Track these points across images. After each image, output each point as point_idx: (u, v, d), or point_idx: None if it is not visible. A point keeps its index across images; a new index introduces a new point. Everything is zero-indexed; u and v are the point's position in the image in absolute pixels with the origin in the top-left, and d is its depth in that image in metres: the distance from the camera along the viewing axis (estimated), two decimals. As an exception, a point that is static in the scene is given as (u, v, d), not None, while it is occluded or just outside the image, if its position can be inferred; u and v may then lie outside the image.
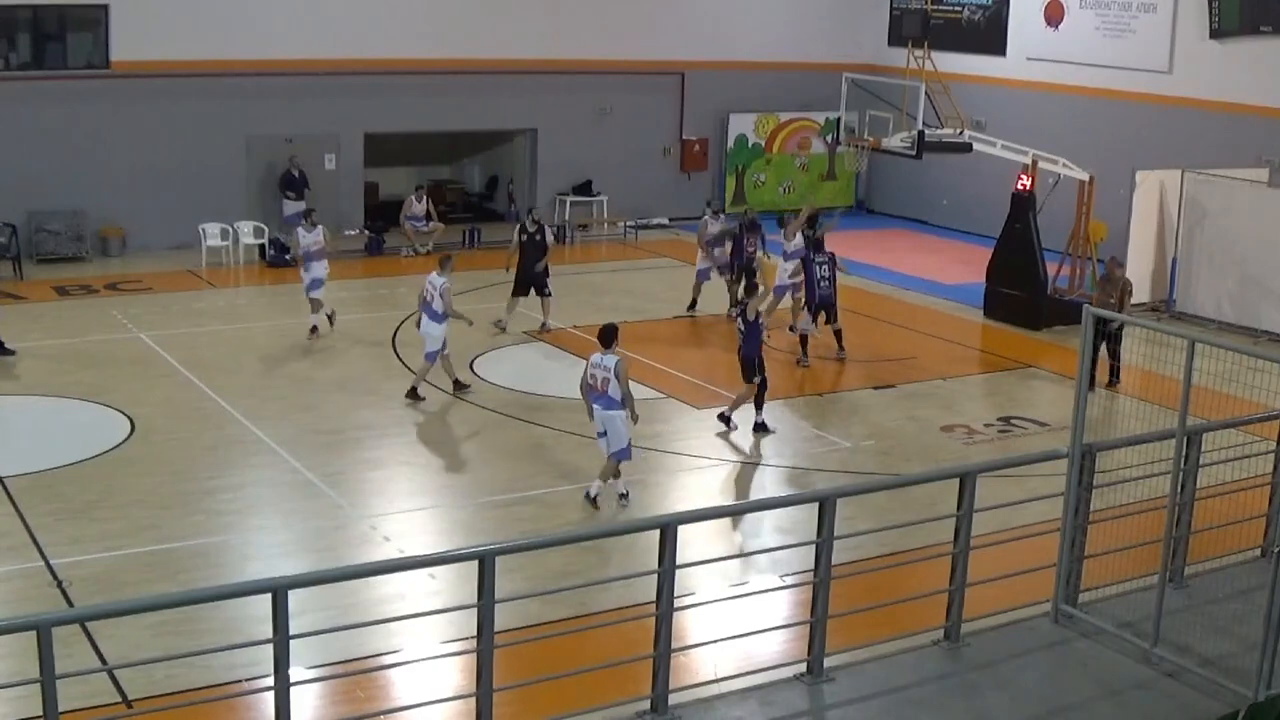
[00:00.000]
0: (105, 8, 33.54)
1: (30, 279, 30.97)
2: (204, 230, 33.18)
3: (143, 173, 33.63)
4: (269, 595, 9.59)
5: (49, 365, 24.24)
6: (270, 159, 35.07)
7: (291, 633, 9.58)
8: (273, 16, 34.28)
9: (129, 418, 21.39)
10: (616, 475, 18.45)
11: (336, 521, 17.80)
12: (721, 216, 30.14)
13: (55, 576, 15.80)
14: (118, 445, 20.25)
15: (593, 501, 18.27)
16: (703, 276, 28.95)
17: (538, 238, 27.25)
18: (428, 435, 21.43)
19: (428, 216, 34.94)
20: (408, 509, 18.46)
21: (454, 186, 40.69)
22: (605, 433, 18.24)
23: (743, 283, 24.43)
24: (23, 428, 21.31)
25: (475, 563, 10.27)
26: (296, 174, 34.67)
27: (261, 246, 33.75)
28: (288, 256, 32.76)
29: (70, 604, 15.12)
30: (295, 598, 9.63)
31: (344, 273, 32.22)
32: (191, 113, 34.10)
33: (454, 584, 14.88)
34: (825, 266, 25.06)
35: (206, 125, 34.28)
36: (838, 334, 25.43)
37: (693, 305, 28.80)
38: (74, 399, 22.40)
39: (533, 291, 27.07)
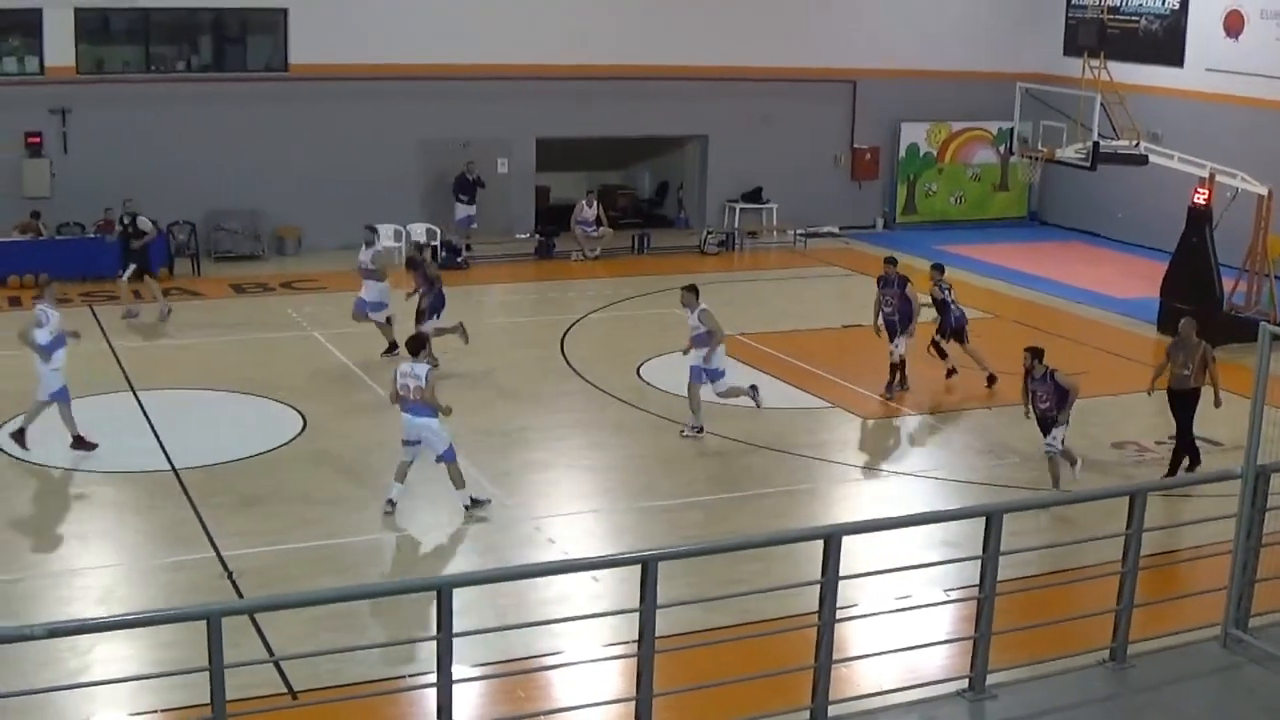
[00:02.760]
0: (284, 11, 34.20)
1: (208, 276, 31.67)
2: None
3: (318, 174, 34.21)
4: (434, 593, 9.70)
5: (224, 361, 24.74)
6: (442, 162, 35.48)
7: (455, 631, 9.67)
8: (447, 21, 34.67)
9: (301, 414, 21.78)
10: (463, 484, 18.08)
11: (502, 522, 17.94)
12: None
13: (225, 568, 16.11)
14: (289, 441, 20.62)
15: (390, 504, 17.97)
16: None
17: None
18: (593, 439, 21.52)
19: (598, 221, 35.14)
20: (572, 511, 18.56)
21: (624, 192, 40.84)
22: (419, 441, 17.97)
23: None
24: (198, 421, 21.74)
25: (638, 567, 10.30)
26: (471, 178, 35.03)
27: (433, 248, 34.13)
28: (459, 259, 33.16)
29: (240, 595, 15.41)
30: (460, 596, 9.73)
31: (514, 276, 32.58)
32: (366, 115, 34.61)
33: (616, 588, 14.92)
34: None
35: (381, 128, 34.78)
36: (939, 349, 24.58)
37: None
38: (248, 394, 22.84)
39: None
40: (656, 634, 10.27)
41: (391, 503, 18.05)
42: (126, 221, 28.66)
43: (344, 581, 15.64)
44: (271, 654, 13.62)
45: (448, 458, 18.04)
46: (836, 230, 39.00)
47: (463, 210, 34.99)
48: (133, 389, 23.01)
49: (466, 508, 18.03)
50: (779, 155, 38.64)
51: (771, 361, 25.12)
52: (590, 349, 26.08)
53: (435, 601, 9.65)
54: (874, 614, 13.95)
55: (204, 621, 9.27)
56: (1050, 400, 18.96)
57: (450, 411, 18.13)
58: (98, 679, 13.13)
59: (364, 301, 25.45)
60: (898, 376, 23.50)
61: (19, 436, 19.81)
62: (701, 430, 21.15)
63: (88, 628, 12.60)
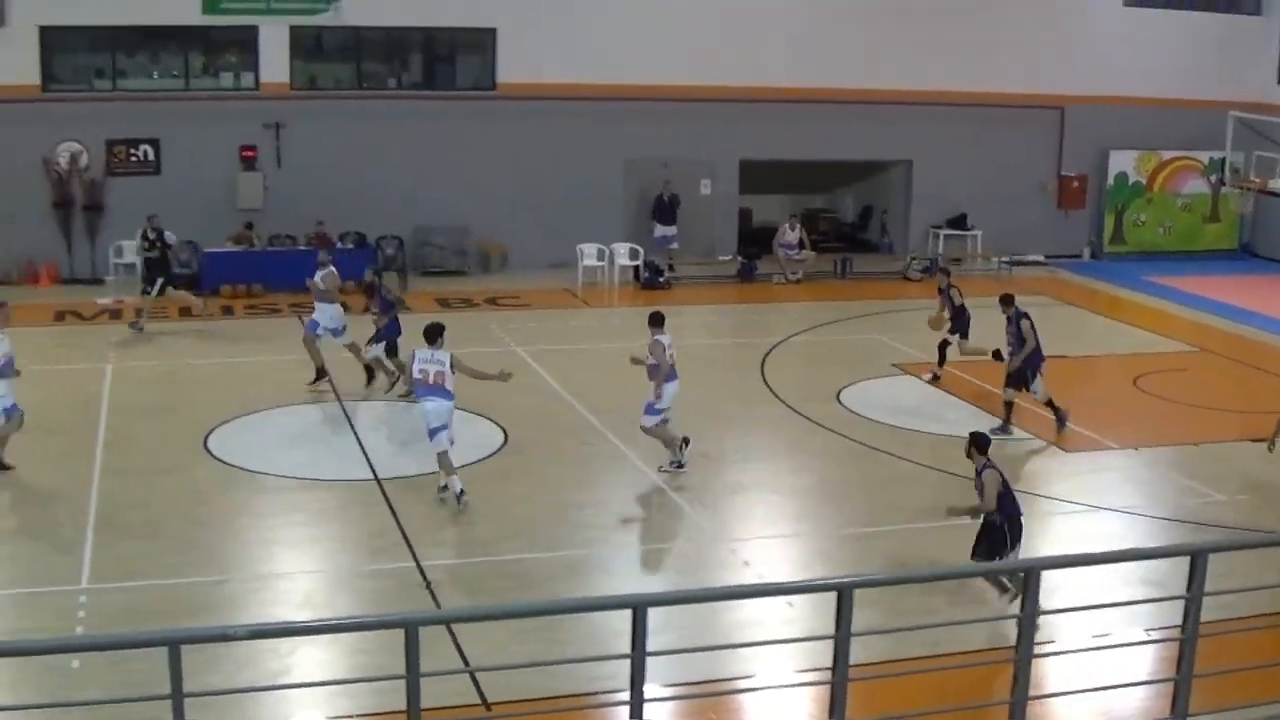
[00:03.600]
0: (493, 31, 34.71)
1: (414, 290, 32.15)
2: (581, 250, 33.97)
3: (524, 192, 34.62)
4: (629, 611, 9.72)
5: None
6: (647, 182, 35.70)
7: (649, 649, 9.68)
8: (654, 42, 34.91)
9: (503, 429, 22.01)
10: (449, 469, 18.61)
11: (698, 543, 17.94)
12: None
13: (424, 577, 16.31)
14: (491, 455, 20.84)
15: (452, 495, 18.55)
16: None
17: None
18: (792, 463, 21.43)
19: (801, 244, 35.07)
20: (769, 535, 18.48)
21: (827, 215, 40.74)
22: (445, 426, 18.45)
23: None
24: (402, 433, 22.07)
25: (834, 594, 10.23)
26: (666, 198, 35.20)
27: (636, 268, 34.33)
28: (661, 279, 33.30)
29: (438, 605, 15.59)
30: (655, 615, 9.74)
31: (715, 298, 32.63)
32: (572, 134, 34.95)
33: (811, 614, 14.82)
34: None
35: (586, 147, 35.10)
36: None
37: None
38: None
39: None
40: (850, 662, 10.18)
41: (446, 488, 18.78)
42: (153, 236, 29.16)
43: (540, 596, 15.75)
44: (467, 664, 13.75)
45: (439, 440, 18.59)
46: (1042, 259, 38.46)
47: (660, 231, 35.17)
48: (339, 399, 23.47)
49: (454, 492, 18.56)
50: (984, 181, 38.25)
51: (971, 390, 24.82)
52: (790, 372, 25.98)
53: (631, 619, 9.67)
54: (1072, 651, 13.69)
55: (402, 630, 9.39)
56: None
57: (509, 376, 19.19)
58: (296, 682, 13.38)
59: (315, 323, 24.68)
60: (1056, 412, 22.89)
61: None
62: (680, 466, 20.42)
63: (288, 631, 12.86)
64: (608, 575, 17.13)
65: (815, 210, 40.40)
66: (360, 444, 21.23)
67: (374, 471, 19.91)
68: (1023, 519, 15.38)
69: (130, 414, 22.83)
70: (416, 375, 18.78)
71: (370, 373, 24.32)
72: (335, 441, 21.33)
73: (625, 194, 36.23)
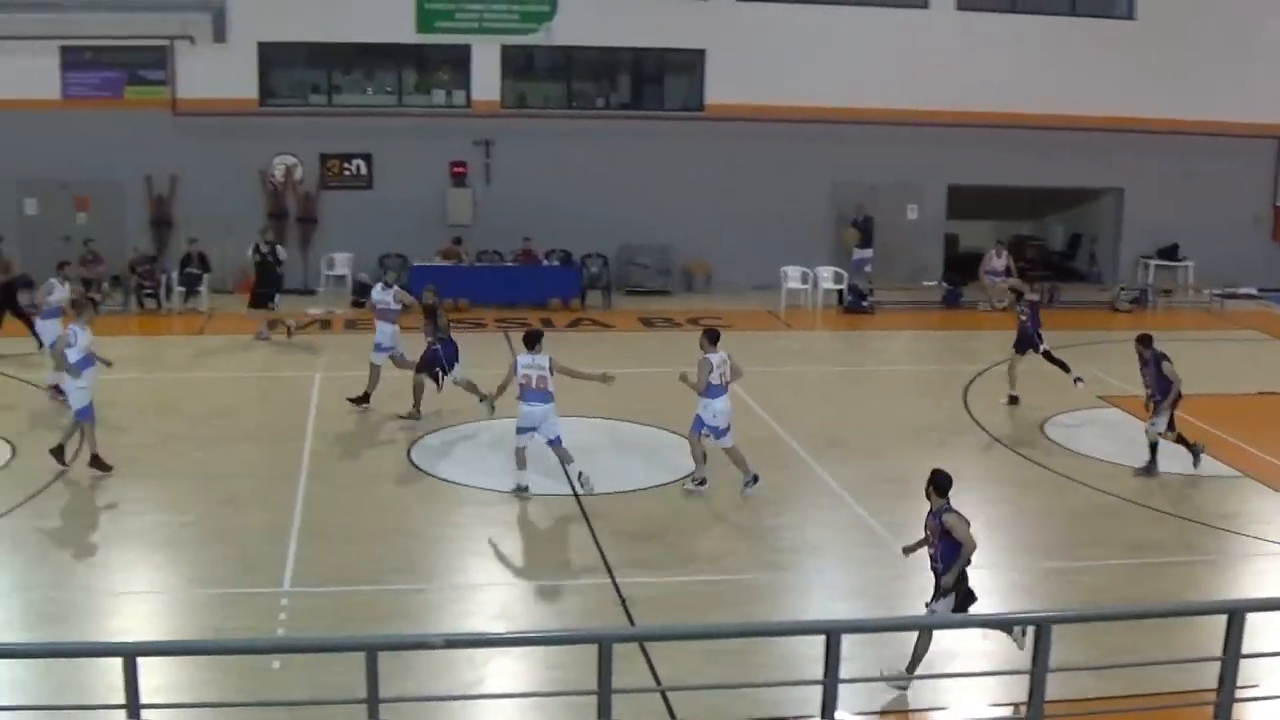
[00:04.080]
0: (701, 53, 34.83)
1: (618, 309, 32.39)
2: (785, 272, 33.92)
3: (729, 212, 34.68)
4: (823, 636, 9.66)
5: (631, 392, 25.19)
6: (852, 205, 35.53)
7: (842, 676, 9.62)
8: (862, 65, 34.79)
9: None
10: (572, 459, 19.80)
11: (895, 571, 17.71)
12: None
13: (619, 595, 16.37)
14: (689, 474, 20.85)
15: (580, 480, 19.65)
16: None
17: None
18: (992, 493, 21.10)
19: (1007, 272, 34.60)
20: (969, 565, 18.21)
21: (1035, 243, 40.16)
22: (536, 428, 19.70)
23: None
24: (602, 450, 22.19)
25: (1032, 629, 10.06)
26: (859, 220, 35.03)
27: (839, 292, 34.18)
28: (864, 303, 33.12)
29: (632, 622, 15.64)
30: (848, 642, 9.67)
31: (919, 324, 32.36)
32: (779, 156, 34.96)
33: (1007, 647, 14.59)
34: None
35: (792, 169, 35.08)
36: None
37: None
38: (651, 426, 23.22)
39: None
40: (1046, 698, 10.00)
41: (523, 488, 19.77)
42: (266, 250, 29.94)
43: (734, 618, 15.71)
44: (658, 683, 13.77)
45: (558, 441, 19.81)
46: (1255, 292, 37.48)
47: (858, 254, 34.98)
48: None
49: (580, 476, 19.63)
50: (1196, 212, 37.43)
51: (1181, 425, 24.23)
52: (993, 401, 25.62)
53: (825, 645, 9.62)
54: (1277, 697, 13.29)
55: (595, 645, 9.43)
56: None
57: (613, 379, 20.40)
58: (490, 692, 13.52)
59: (379, 344, 24.49)
60: (1191, 449, 22.15)
61: (58, 453, 20.60)
62: (703, 482, 20.30)
63: (484, 641, 13.00)
64: (802, 599, 17.05)
65: (1023, 237, 39.86)
66: (560, 460, 21.37)
67: (574, 487, 20.02)
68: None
69: (337, 422, 23.29)
70: (520, 380, 19.68)
71: (475, 392, 23.61)
72: (536, 456, 21.52)
73: (830, 217, 36.11)
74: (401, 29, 34.06)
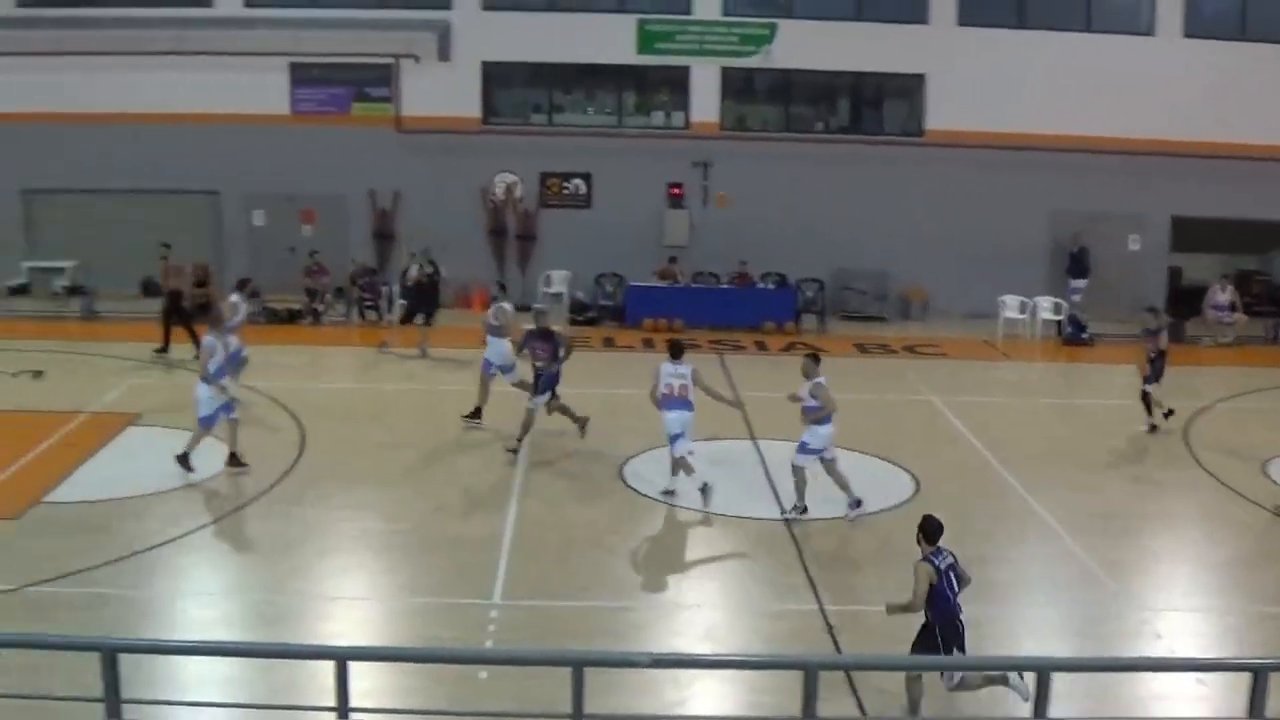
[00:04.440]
0: (922, 77, 34.54)
1: (832, 334, 32.30)
2: (1003, 302, 33.47)
3: (947, 240, 34.35)
4: (1033, 674, 9.50)
5: (842, 418, 25.06)
6: (1073, 235, 34.99)
7: (1050, 715, 9.44)
8: (1085, 93, 34.28)
9: (914, 477, 21.82)
10: (689, 470, 20.17)
11: (1108, 610, 17.38)
12: None
13: (827, 622, 16.26)
14: (902, 503, 20.67)
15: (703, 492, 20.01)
16: None
17: None
18: (1209, 532, 20.56)
19: (1232, 307, 33.77)
20: (1182, 608, 17.76)
21: (1261, 278, 39.03)
22: (682, 434, 20.18)
23: None
24: (813, 475, 22.05)
25: (1248, 674, 9.78)
26: (1076, 251, 34.46)
27: (1058, 323, 33.65)
28: (1084, 335, 32.56)
29: (838, 651, 15.53)
30: (1059, 680, 9.49)
31: (1140, 358, 31.65)
32: (999, 184, 34.57)
33: (1224, 693, 14.19)
34: None
35: (1011, 197, 34.67)
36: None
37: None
38: (862, 453, 23.06)
39: None
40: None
41: (670, 492, 20.43)
42: (429, 270, 30.27)
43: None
44: (864, 713, 13.65)
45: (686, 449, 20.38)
46: None
47: (1073, 284, 34.42)
48: (753, 437, 23.66)
49: (704, 488, 20.00)
50: None
51: None
52: (1214, 439, 25.00)
53: (1035, 683, 9.45)
54: None
55: (800, 672, 9.38)
56: None
57: (742, 405, 21.13)
58: (694, 714, 13.51)
59: (487, 361, 24.48)
60: None
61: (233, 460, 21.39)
62: (804, 510, 19.90)
63: (689, 662, 12.99)
64: (1011, 635, 16.76)
65: (1249, 272, 38.77)
66: (771, 482, 21.34)
67: (783, 510, 19.98)
68: (960, 620, 13.68)
69: (553, 437, 23.51)
70: (663, 390, 20.29)
71: (571, 417, 23.43)
72: (747, 478, 21.49)
73: (1050, 247, 35.57)
74: (623, 50, 34.36)
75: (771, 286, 33.94)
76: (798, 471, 19.99)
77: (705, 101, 34.91)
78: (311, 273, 33.56)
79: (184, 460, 21.09)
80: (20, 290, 34.81)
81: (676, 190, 34.90)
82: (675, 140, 34.91)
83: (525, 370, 23.54)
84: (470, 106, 34.92)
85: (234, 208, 35.56)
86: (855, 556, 18.49)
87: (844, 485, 20.04)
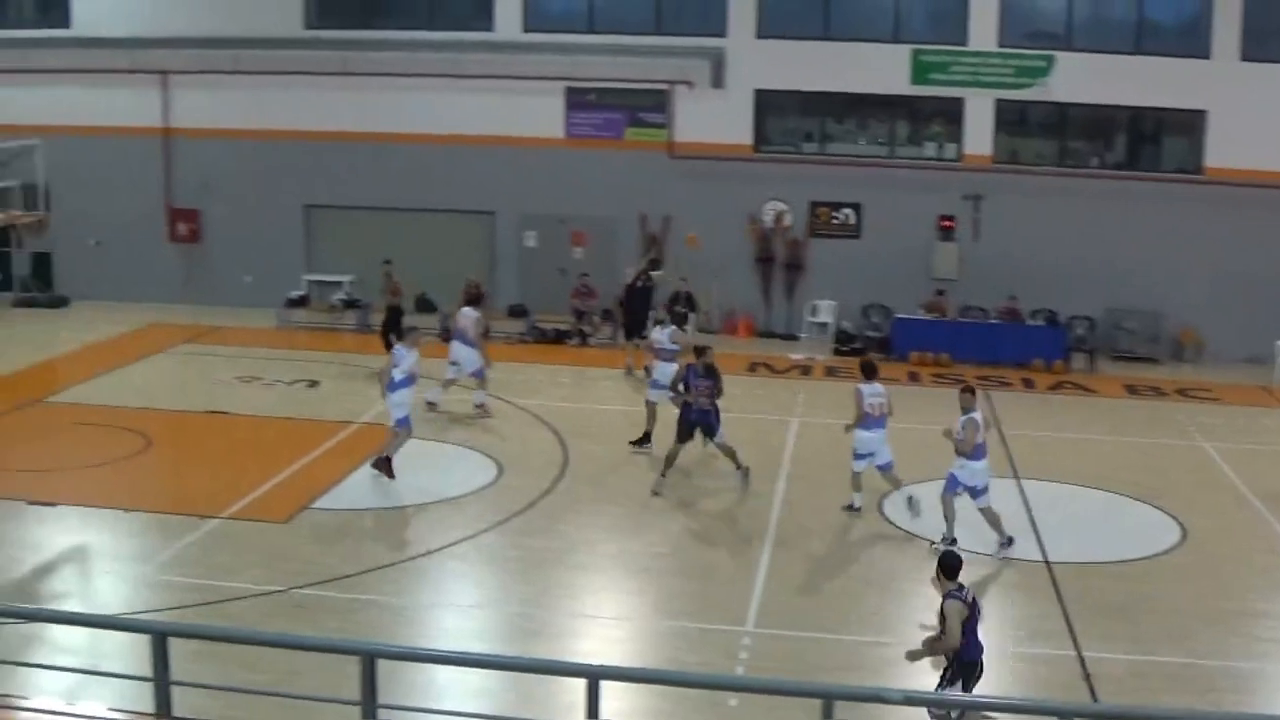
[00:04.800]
0: (1203, 114, 33.58)
1: (1101, 374, 31.60)
2: (1280, 346, 32.40)
3: (1224, 281, 33.32)
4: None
5: (1110, 461, 24.56)
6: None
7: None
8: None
9: (1180, 525, 21.21)
10: (898, 484, 20.86)
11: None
12: None
13: (1084, 669, 15.92)
14: (1166, 551, 20.12)
15: (852, 509, 20.93)
16: None
17: None
18: None
19: None
20: None
21: None
22: (873, 454, 20.79)
23: None
24: (1075, 517, 21.63)
25: None
26: None
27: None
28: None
29: (1094, 698, 15.17)
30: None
31: None
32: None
33: None
34: None
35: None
36: None
37: None
38: (1130, 497, 22.52)
39: None
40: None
41: (855, 508, 20.96)
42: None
43: (1205, 704, 15.08)
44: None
45: (891, 466, 21.01)
46: None
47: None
48: (1017, 476, 23.27)
49: (909, 502, 20.53)
50: None
51: None
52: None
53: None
54: None
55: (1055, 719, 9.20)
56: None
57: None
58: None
59: (655, 381, 24.61)
60: None
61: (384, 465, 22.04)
62: (954, 542, 19.27)
63: (936, 701, 12.81)
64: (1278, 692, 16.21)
65: None
66: (1033, 522, 20.96)
67: (1044, 552, 19.63)
68: (981, 660, 13.38)
69: (811, 467, 23.47)
70: (867, 409, 20.61)
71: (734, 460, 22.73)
72: (1008, 518, 21.14)
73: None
74: (896, 80, 34.11)
75: (1040, 323, 33.33)
76: (946, 503, 19.80)
77: (978, 134, 34.44)
78: (580, 294, 33.99)
79: (385, 464, 22.00)
80: (299, 302, 35.90)
81: (947, 223, 34.49)
82: (947, 172, 34.51)
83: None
84: (742, 133, 35.02)
85: (507, 228, 36.20)
86: (1114, 603, 18.01)
87: (995, 524, 19.77)
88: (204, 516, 20.23)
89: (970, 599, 13.34)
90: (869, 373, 21.15)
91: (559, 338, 33.54)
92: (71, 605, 17.01)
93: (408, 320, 28.60)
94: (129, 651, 13.98)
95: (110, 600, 17.50)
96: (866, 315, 34.35)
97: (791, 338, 34.83)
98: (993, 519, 19.75)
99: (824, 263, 34.88)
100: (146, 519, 20.21)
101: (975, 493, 19.65)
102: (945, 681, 13.40)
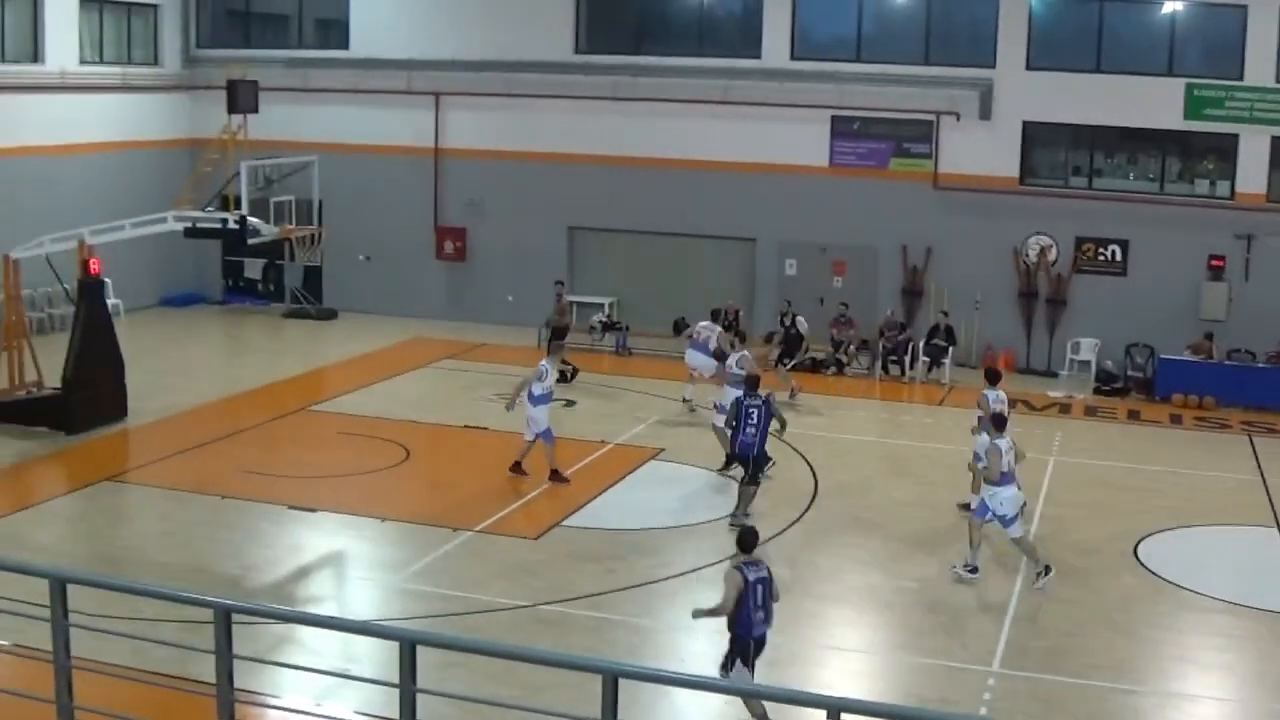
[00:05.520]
0: None
1: None
2: None
3: None
4: None
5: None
6: None
7: None
8: None
9: None
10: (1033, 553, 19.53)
11: None
12: None
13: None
14: None
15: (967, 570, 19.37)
16: None
17: None
18: None
19: None
20: None
21: None
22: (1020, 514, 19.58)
23: None
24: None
25: None
26: None
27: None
28: None
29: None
30: None
31: None
32: None
33: None
34: None
35: None
36: None
37: None
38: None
39: None
40: None
41: (974, 569, 19.41)
42: (788, 323, 31.55)
43: None
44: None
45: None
46: None
47: None
48: (1279, 525, 22.58)
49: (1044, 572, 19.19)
50: None
51: None
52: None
53: None
54: None
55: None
56: None
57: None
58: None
59: (722, 406, 24.02)
60: None
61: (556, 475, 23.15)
62: (974, 570, 19.29)
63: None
64: None
65: None
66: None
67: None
68: (753, 639, 14.03)
69: (1066, 508, 23.04)
70: (1004, 468, 19.15)
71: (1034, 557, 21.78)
72: (1272, 569, 20.49)
73: None
74: (1169, 115, 33.31)
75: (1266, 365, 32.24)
76: (973, 526, 19.59)
77: (1252, 171, 33.45)
78: (839, 323, 33.91)
79: (556, 475, 23.13)
80: (559, 323, 36.52)
81: (1217, 262, 33.57)
82: (1218, 210, 33.61)
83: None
84: (1009, 166, 34.57)
85: (768, 255, 36.28)
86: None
87: (1030, 553, 19.42)
88: (457, 529, 20.71)
89: (752, 579, 13.86)
90: (1001, 426, 19.79)
91: (815, 366, 33.46)
92: (325, 609, 17.57)
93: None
94: (377, 657, 14.38)
95: (362, 607, 18.04)
96: (1129, 354, 33.61)
97: (1051, 375, 34.24)
98: (1028, 548, 19.47)
99: (1087, 299, 34.22)
100: (401, 528, 20.78)
101: (1005, 521, 19.30)
102: (728, 664, 14.09)
